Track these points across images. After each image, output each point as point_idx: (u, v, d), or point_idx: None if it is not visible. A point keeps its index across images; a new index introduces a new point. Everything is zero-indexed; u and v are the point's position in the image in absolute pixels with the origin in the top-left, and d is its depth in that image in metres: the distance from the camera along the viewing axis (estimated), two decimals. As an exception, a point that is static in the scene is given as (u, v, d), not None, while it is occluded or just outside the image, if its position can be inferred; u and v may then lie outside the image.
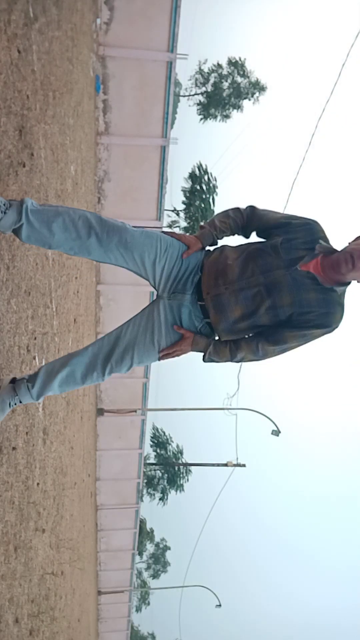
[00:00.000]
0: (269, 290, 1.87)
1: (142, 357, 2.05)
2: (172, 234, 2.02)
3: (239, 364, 2.16)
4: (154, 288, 2.08)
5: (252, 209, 2.04)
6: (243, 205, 2.10)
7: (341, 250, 1.83)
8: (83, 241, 1.87)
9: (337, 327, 1.90)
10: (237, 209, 2.06)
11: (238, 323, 1.94)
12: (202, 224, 2.11)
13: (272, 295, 1.87)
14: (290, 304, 1.86)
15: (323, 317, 1.86)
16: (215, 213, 2.15)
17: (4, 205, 1.76)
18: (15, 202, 1.80)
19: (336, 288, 1.85)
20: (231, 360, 2.04)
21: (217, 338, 2.06)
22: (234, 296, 1.90)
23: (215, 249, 2.06)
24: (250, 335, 2.00)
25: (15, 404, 2.02)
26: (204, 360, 2.10)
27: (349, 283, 1.87)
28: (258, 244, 1.97)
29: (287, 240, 1.88)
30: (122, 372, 2.08)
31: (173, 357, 2.08)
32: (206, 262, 2.01)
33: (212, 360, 2.06)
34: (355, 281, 1.85)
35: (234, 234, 2.10)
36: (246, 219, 2.02)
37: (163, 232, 2.04)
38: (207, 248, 2.09)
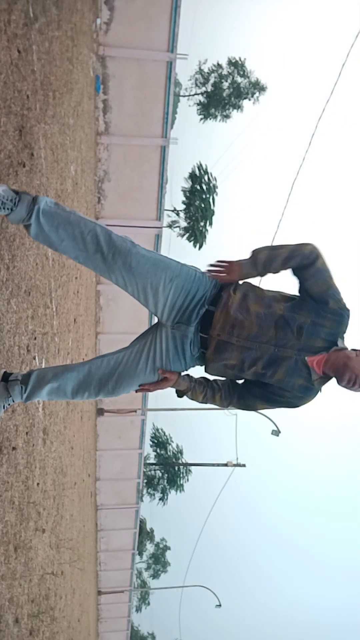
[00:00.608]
0: (270, 362, 1.89)
1: (138, 385, 2.07)
2: None
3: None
4: (156, 315, 2.04)
5: (318, 256, 1.85)
6: (312, 243, 1.89)
7: (349, 361, 1.80)
8: (89, 254, 1.88)
9: (297, 407, 2.03)
10: (298, 250, 1.85)
11: (228, 369, 1.98)
12: (250, 259, 1.92)
13: (270, 366, 1.90)
14: (279, 380, 1.92)
15: (297, 400, 1.98)
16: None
17: (11, 201, 1.75)
18: (27, 197, 1.79)
19: (322, 379, 1.91)
20: (199, 402, 2.15)
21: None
22: (239, 351, 1.90)
23: (237, 289, 1.94)
24: (228, 384, 2.10)
25: (9, 404, 2.04)
26: (178, 396, 2.16)
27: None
28: (287, 310, 1.88)
29: (314, 325, 1.85)
30: (119, 396, 2.09)
31: (149, 392, 2.11)
32: (226, 301, 1.91)
33: (185, 396, 2.14)
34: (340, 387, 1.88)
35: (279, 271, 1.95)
36: (304, 267, 1.86)
37: (181, 264, 1.96)
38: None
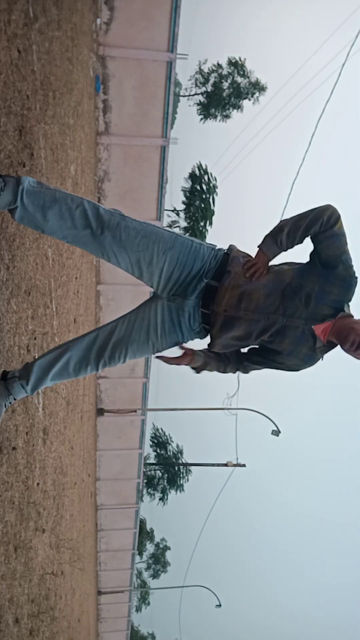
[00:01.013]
0: (278, 332, 1.88)
1: (135, 354, 2.05)
2: None
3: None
4: (151, 287, 2.02)
5: (337, 220, 1.81)
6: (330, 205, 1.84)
7: (353, 325, 1.80)
8: (78, 231, 1.81)
9: (298, 371, 2.05)
10: (319, 217, 1.80)
11: (234, 340, 1.97)
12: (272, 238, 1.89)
13: (276, 335, 1.89)
14: (285, 349, 1.92)
15: (298, 366, 2.01)
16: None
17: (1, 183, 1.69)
18: (12, 180, 1.72)
19: (325, 347, 1.92)
20: (218, 372, 2.16)
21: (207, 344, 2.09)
22: (247, 324, 1.88)
23: (237, 262, 1.91)
24: (236, 353, 2.12)
25: (10, 403, 2.01)
26: (196, 372, 2.16)
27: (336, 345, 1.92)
28: (295, 277, 1.85)
29: (322, 292, 1.82)
30: (116, 366, 2.08)
31: (167, 364, 2.08)
32: (234, 276, 1.87)
33: (205, 370, 2.15)
34: (344, 351, 1.87)
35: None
36: (323, 231, 1.81)
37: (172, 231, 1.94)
38: (226, 251, 1.95)
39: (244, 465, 15.07)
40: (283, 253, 1.94)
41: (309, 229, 1.81)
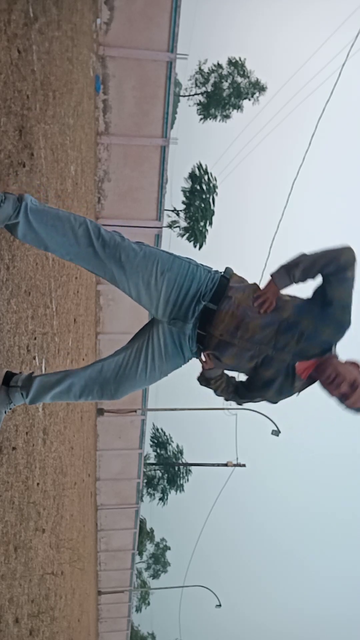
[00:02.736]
0: (264, 362, 1.91)
1: (143, 384, 2.06)
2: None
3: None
4: (150, 312, 2.01)
5: (352, 264, 1.80)
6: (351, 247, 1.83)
7: (337, 366, 1.83)
8: (81, 249, 1.82)
9: (276, 403, 2.08)
10: (335, 258, 1.79)
11: (223, 366, 2.02)
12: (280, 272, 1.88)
13: (262, 365, 1.92)
14: (267, 379, 1.94)
15: (275, 398, 2.03)
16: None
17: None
18: (12, 196, 1.74)
19: (304, 383, 1.95)
20: (216, 391, 2.20)
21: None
22: (239, 351, 1.90)
23: (247, 288, 1.92)
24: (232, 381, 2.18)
25: (10, 409, 2.04)
26: (201, 383, 2.18)
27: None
28: (294, 313, 1.86)
29: (315, 332, 1.84)
30: (120, 399, 2.09)
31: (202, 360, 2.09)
32: (234, 301, 1.87)
33: (208, 385, 2.17)
34: (320, 385, 1.90)
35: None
36: (335, 273, 1.80)
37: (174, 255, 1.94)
38: (223, 274, 1.94)
39: (244, 465, 15.07)
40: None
41: (323, 268, 1.81)
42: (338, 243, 1.86)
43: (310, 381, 1.94)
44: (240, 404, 2.24)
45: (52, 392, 2.00)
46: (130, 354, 2.03)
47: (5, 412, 2.01)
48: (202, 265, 1.97)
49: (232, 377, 2.18)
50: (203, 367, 2.07)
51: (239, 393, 2.14)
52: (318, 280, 1.87)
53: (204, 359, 2.03)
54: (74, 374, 2.04)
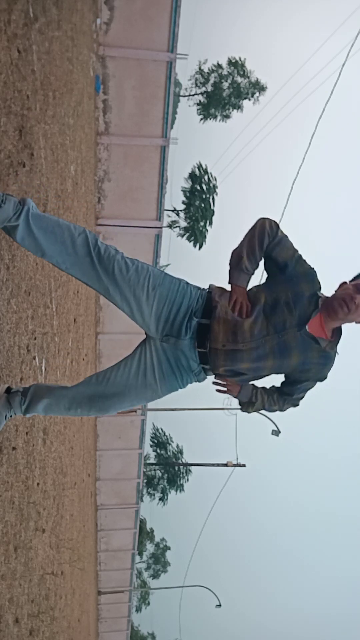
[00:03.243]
0: (281, 350, 1.90)
1: (133, 401, 2.02)
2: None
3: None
4: (142, 328, 2.00)
5: (277, 227, 1.93)
6: (268, 218, 1.96)
7: (332, 298, 1.90)
8: (78, 258, 1.81)
9: (326, 377, 2.04)
10: (264, 231, 1.90)
11: (241, 375, 1.98)
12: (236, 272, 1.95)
13: (283, 355, 1.91)
14: (297, 363, 1.93)
15: (320, 372, 2.00)
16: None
17: (0, 198, 1.69)
18: (13, 199, 1.73)
19: (335, 349, 1.96)
20: (266, 407, 2.16)
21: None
22: (248, 353, 1.89)
23: (222, 296, 1.96)
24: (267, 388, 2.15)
25: (11, 416, 2.03)
26: (243, 409, 2.17)
27: (341, 332, 1.97)
28: (267, 295, 1.92)
29: (296, 295, 1.88)
30: (109, 415, 2.08)
31: (222, 390, 2.06)
32: (220, 310, 1.91)
33: (253, 407, 2.14)
34: (355, 322, 1.92)
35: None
36: (273, 241, 1.92)
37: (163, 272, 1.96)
38: (207, 289, 1.99)
39: (244, 465, 15.08)
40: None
41: (262, 243, 1.90)
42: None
43: (336, 334, 1.96)
44: (297, 404, 2.16)
45: (42, 403, 1.99)
46: (121, 369, 2.00)
47: (6, 418, 2.00)
48: (191, 283, 2.01)
49: (264, 387, 2.16)
50: (230, 393, 2.04)
51: (285, 392, 2.11)
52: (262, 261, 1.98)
53: (221, 387, 2.02)
54: (66, 387, 2.05)
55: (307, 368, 1.96)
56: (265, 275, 2.03)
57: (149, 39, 7.47)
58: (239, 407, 2.19)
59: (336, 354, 1.99)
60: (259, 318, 1.89)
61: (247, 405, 2.14)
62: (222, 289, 2.02)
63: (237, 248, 1.96)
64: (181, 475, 28.15)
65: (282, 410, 2.19)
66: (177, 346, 1.94)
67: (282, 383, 2.13)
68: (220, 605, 19.33)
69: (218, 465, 15.58)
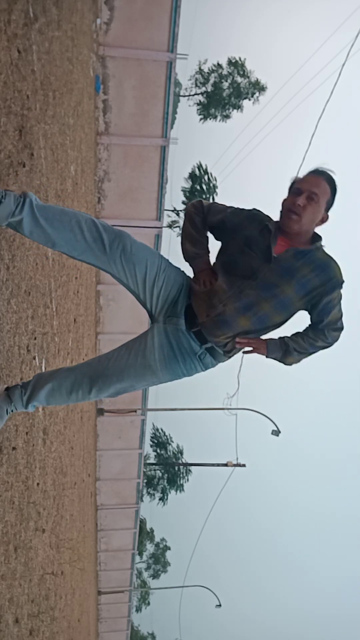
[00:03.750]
0: (267, 290, 1.88)
1: (132, 383, 1.99)
2: None
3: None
4: (147, 310, 2.03)
5: (200, 203, 2.08)
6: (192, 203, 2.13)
7: (280, 217, 1.93)
8: (88, 244, 1.82)
9: (341, 279, 1.90)
10: (191, 214, 2.08)
11: (250, 333, 1.95)
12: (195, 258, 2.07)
13: (271, 292, 1.88)
14: (294, 291, 1.88)
15: (325, 281, 1.88)
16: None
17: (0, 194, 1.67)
18: (12, 193, 1.72)
19: (314, 246, 1.92)
20: (302, 352, 2.03)
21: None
22: (232, 309, 1.89)
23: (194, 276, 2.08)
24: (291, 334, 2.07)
25: (12, 411, 2.01)
26: (285, 363, 2.07)
27: (319, 237, 1.96)
28: (225, 256, 2.00)
29: (247, 238, 1.93)
30: (109, 396, 2.03)
31: (247, 348, 2.01)
32: (191, 286, 2.02)
33: (292, 354, 2.01)
34: (316, 224, 1.92)
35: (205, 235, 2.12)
36: (204, 215, 2.06)
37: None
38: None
39: (244, 465, 15.07)
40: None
41: (196, 223, 2.06)
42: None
43: (312, 238, 1.95)
44: (337, 326, 1.96)
45: (45, 389, 1.97)
46: (123, 349, 2.01)
47: (7, 412, 1.98)
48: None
49: (295, 333, 2.05)
50: (258, 351, 2.00)
51: (316, 323, 1.96)
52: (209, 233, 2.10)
53: (247, 347, 1.99)
54: (67, 368, 2.05)
55: (310, 287, 1.87)
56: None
57: (149, 39, 7.47)
58: (281, 363, 2.07)
59: (328, 255, 1.91)
60: (225, 276, 1.93)
61: (284, 357, 2.02)
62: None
63: (180, 244, 2.10)
64: (181, 475, 28.16)
65: (327, 342, 1.98)
66: (179, 327, 1.96)
67: (310, 319, 2.01)
68: (220, 605, 19.31)
69: (218, 465, 15.57)
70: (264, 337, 2.02)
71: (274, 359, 2.04)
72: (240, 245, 1.93)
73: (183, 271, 2.06)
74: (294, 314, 1.98)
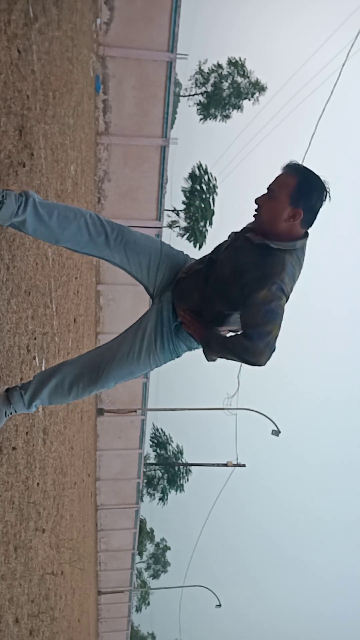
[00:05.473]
0: (220, 274, 1.91)
1: (132, 368, 1.99)
2: None
3: (240, 363, 2.05)
4: (149, 292, 2.10)
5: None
6: None
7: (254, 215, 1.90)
8: (92, 238, 1.87)
9: (280, 281, 1.70)
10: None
11: (205, 310, 1.93)
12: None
13: (219, 274, 1.90)
14: (230, 272, 1.83)
15: (259, 275, 1.74)
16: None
17: (0, 195, 1.67)
18: (13, 193, 1.72)
19: (283, 245, 1.77)
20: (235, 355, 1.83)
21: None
22: (193, 280, 1.97)
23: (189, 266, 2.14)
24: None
25: (11, 413, 1.99)
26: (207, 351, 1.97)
27: (299, 238, 1.80)
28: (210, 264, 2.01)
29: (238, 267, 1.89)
30: (110, 387, 2.03)
31: (186, 323, 1.97)
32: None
33: (212, 348, 1.91)
34: (285, 220, 1.77)
35: None
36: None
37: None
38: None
39: (244, 465, 15.06)
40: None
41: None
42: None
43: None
44: (255, 332, 1.68)
45: (48, 387, 1.96)
46: (120, 337, 2.04)
47: (6, 415, 1.97)
48: None
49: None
50: (192, 330, 1.94)
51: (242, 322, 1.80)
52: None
53: (186, 321, 1.95)
54: (68, 363, 2.04)
55: (241, 270, 1.79)
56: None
57: (149, 39, 7.48)
58: (205, 357, 2.00)
59: (282, 257, 1.75)
60: (197, 273, 1.99)
61: (208, 352, 1.94)
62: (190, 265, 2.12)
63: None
64: (181, 475, 28.14)
65: (246, 346, 1.71)
66: (168, 298, 2.04)
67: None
68: (220, 605, 19.30)
69: (218, 465, 15.56)
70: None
71: (204, 347, 1.95)
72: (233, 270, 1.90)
73: (182, 251, 2.14)
74: (231, 301, 1.84)
